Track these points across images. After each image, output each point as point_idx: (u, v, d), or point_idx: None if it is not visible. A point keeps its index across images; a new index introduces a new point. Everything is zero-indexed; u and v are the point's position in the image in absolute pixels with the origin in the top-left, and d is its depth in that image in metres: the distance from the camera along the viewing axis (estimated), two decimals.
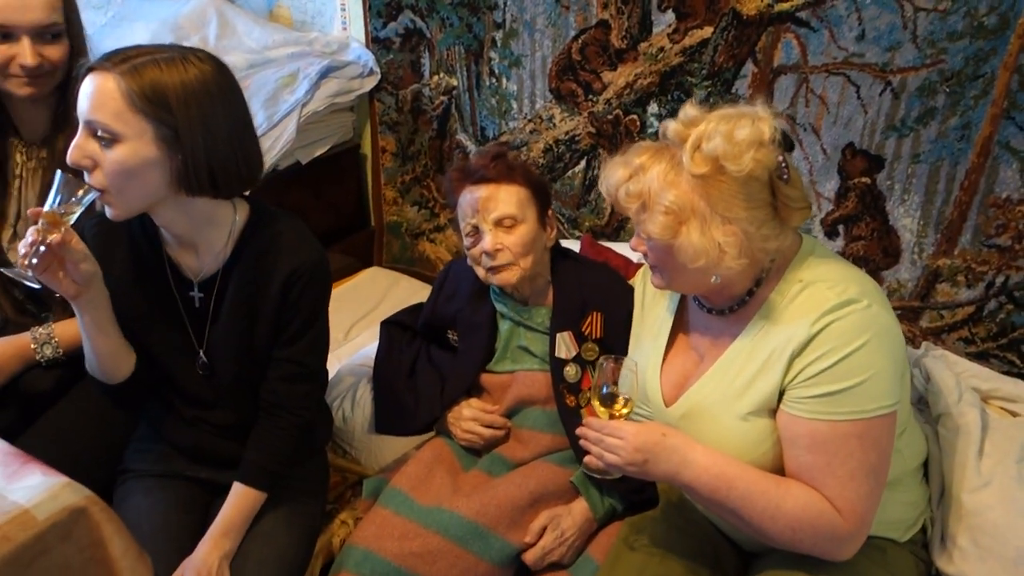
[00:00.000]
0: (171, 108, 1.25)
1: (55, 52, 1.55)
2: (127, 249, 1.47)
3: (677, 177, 1.27)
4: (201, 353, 1.51)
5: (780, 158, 1.24)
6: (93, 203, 1.32)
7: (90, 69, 1.27)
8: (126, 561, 1.22)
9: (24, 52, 1.51)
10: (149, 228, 1.45)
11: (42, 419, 1.63)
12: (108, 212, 1.31)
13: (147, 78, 1.24)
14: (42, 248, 1.23)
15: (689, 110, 1.29)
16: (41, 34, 1.53)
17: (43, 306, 1.72)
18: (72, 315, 1.45)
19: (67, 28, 1.57)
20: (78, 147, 1.26)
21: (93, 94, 1.24)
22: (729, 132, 1.22)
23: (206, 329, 1.50)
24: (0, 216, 1.66)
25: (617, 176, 1.32)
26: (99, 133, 1.25)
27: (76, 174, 1.27)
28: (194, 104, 1.26)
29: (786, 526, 1.25)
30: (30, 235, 1.23)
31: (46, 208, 1.25)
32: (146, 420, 1.66)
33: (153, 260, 1.46)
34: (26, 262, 1.23)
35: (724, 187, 1.24)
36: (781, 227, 1.29)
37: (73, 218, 1.27)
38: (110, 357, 1.44)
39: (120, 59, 1.25)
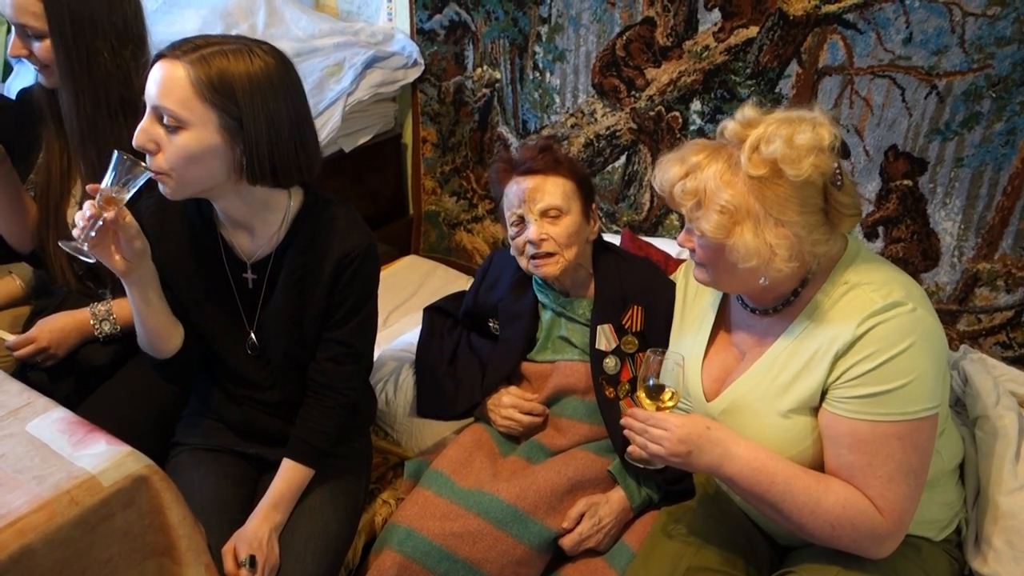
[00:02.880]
0: (236, 98, 1.28)
1: (40, 50, 1.60)
2: (183, 229, 1.51)
3: (733, 177, 1.28)
4: (252, 334, 1.55)
5: (835, 165, 1.25)
6: (152, 181, 1.35)
7: (160, 56, 1.30)
8: (183, 529, 1.27)
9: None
10: (205, 210, 1.49)
11: (97, 391, 1.69)
12: (163, 190, 1.34)
13: (215, 67, 1.27)
14: (99, 224, 1.26)
15: (747, 111, 1.30)
16: (23, 32, 1.59)
17: (99, 282, 1.77)
18: None
19: (52, 33, 1.56)
20: (144, 131, 1.29)
21: (162, 81, 1.27)
22: (789, 136, 1.23)
23: (257, 310, 1.54)
24: (67, 194, 1.72)
25: (672, 173, 1.34)
26: (165, 119, 1.28)
27: (135, 154, 1.30)
28: (258, 95, 1.29)
29: (826, 522, 1.27)
30: (88, 209, 1.26)
31: (102, 185, 1.28)
32: (197, 395, 1.70)
33: (208, 241, 1.50)
34: (83, 235, 1.27)
35: (780, 190, 1.25)
36: (831, 232, 1.30)
37: (127, 196, 1.30)
38: (158, 332, 1.47)
39: (189, 48, 1.28)
